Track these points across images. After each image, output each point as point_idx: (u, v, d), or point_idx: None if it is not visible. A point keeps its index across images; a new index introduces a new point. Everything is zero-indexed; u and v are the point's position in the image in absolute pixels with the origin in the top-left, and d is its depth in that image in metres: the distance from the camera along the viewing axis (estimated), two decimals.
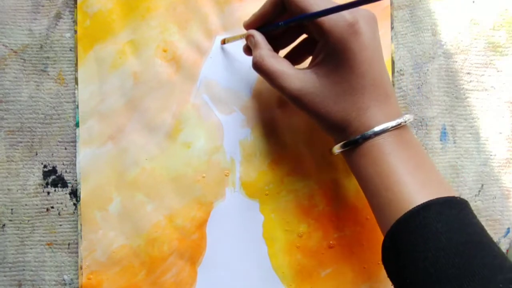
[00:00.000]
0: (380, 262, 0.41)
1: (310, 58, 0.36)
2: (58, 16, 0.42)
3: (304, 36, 0.37)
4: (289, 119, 0.41)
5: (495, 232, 0.42)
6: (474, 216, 0.30)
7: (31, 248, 0.41)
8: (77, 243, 0.41)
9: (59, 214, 0.41)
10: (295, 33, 0.37)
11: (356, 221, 0.41)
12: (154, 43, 0.41)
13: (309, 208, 0.41)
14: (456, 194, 0.30)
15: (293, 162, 0.41)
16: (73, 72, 0.41)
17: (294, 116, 0.41)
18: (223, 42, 0.40)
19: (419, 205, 0.29)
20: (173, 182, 0.41)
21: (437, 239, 0.27)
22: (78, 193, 0.41)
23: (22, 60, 0.41)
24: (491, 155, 0.42)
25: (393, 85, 0.42)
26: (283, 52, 0.39)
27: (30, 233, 0.41)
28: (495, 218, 0.42)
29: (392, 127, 0.31)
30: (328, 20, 0.30)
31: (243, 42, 0.38)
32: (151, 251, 0.40)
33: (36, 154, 0.41)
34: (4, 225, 0.41)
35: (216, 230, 0.41)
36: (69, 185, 0.41)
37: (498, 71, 0.43)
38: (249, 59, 0.41)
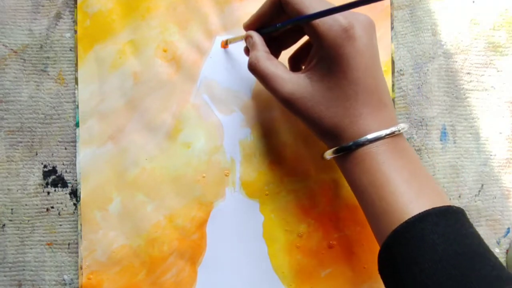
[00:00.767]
0: None
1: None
2: (58, 16, 0.42)
3: (306, 37, 0.37)
4: (289, 119, 0.41)
5: (495, 232, 0.42)
6: (471, 225, 0.29)
7: (31, 248, 0.41)
8: (77, 243, 0.41)
9: (59, 214, 0.41)
10: (296, 34, 0.36)
11: (356, 221, 0.41)
12: (154, 43, 0.41)
13: (309, 208, 0.41)
14: (451, 203, 0.30)
15: (293, 162, 0.41)
16: (73, 72, 0.41)
17: (294, 116, 0.41)
18: (225, 44, 0.40)
19: (414, 216, 0.28)
20: (173, 182, 0.41)
21: (434, 251, 0.27)
22: (78, 193, 0.41)
23: (22, 60, 0.41)
24: (491, 155, 0.42)
25: (393, 85, 0.42)
26: (286, 53, 0.39)
27: (30, 233, 0.41)
28: (495, 218, 0.42)
29: (386, 135, 0.31)
30: (323, 24, 0.30)
31: (244, 43, 0.38)
32: (151, 251, 0.40)
33: (36, 154, 0.41)
34: (4, 225, 0.41)
35: (216, 230, 0.41)
36: (69, 185, 0.41)
37: (498, 71, 0.43)
38: (247, 60, 0.41)
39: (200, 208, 0.41)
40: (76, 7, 0.41)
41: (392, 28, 0.42)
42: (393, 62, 0.42)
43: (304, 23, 0.31)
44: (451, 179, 0.42)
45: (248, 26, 0.36)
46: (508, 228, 0.42)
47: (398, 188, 0.29)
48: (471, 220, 0.42)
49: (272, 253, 0.41)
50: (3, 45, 0.41)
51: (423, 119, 0.42)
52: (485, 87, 0.43)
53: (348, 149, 0.31)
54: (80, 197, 0.40)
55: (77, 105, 0.41)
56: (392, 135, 0.31)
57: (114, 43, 0.41)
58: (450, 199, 0.42)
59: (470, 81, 0.43)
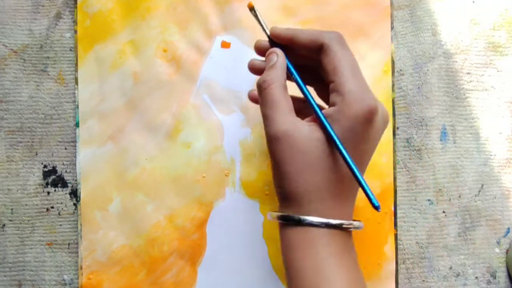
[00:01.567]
0: (380, 262, 0.41)
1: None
2: (58, 16, 0.42)
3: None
4: None
5: (495, 232, 0.42)
6: None
7: (31, 248, 0.41)
8: (77, 243, 0.41)
9: (59, 214, 0.41)
10: (317, 77, 0.33)
11: None
12: (154, 43, 0.41)
13: None
14: None
15: None
16: (73, 72, 0.41)
17: None
18: (251, 6, 0.33)
19: None
20: (173, 182, 0.41)
21: None
22: (78, 193, 0.41)
23: (22, 60, 0.41)
24: (491, 155, 0.42)
25: (393, 85, 0.42)
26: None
27: (30, 233, 0.41)
28: (495, 218, 0.42)
29: (335, 224, 0.28)
30: (354, 93, 0.27)
31: (242, 44, 0.38)
32: (151, 251, 0.40)
33: (36, 154, 0.41)
34: (4, 225, 0.41)
35: (216, 230, 0.41)
36: (69, 185, 0.41)
37: (498, 71, 0.43)
38: (247, 60, 0.41)
39: (200, 208, 0.41)
40: (76, 7, 0.41)
41: (392, 28, 0.42)
42: (393, 62, 0.42)
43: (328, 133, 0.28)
44: (451, 179, 0.42)
45: (277, 36, 0.32)
46: (508, 228, 0.42)
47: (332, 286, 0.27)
48: (471, 220, 0.42)
49: (272, 253, 0.41)
50: (3, 45, 0.41)
51: (423, 119, 0.42)
52: (485, 87, 0.43)
53: (296, 222, 0.28)
54: (80, 197, 0.40)
55: (77, 105, 0.41)
56: (341, 228, 0.28)
57: (114, 43, 0.41)
58: (450, 199, 0.42)
59: (470, 81, 0.43)
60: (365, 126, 0.28)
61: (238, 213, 0.41)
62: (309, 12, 0.41)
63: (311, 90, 0.32)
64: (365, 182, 0.27)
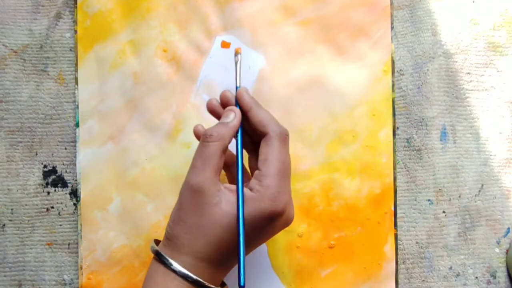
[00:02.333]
0: (380, 262, 0.41)
1: None
2: (58, 16, 0.42)
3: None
4: (289, 119, 0.41)
5: (495, 232, 0.42)
6: None
7: (31, 248, 0.41)
8: (77, 243, 0.41)
9: (59, 214, 0.41)
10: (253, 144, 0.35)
11: (356, 221, 0.41)
12: (154, 43, 0.41)
13: (309, 208, 0.41)
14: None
15: (293, 162, 0.41)
16: (73, 72, 0.41)
17: (293, 115, 0.41)
18: (238, 52, 0.37)
19: None
20: (173, 182, 0.41)
21: None
22: (78, 193, 0.41)
23: (22, 60, 0.41)
24: (491, 155, 0.42)
25: (393, 85, 0.42)
26: None
27: (30, 233, 0.41)
28: (495, 218, 0.42)
29: (195, 280, 0.29)
30: (268, 186, 0.31)
31: (242, 44, 0.38)
32: (151, 251, 0.40)
33: (36, 154, 0.41)
34: (4, 225, 0.41)
35: None
36: (69, 185, 0.41)
37: (498, 71, 0.43)
38: (247, 60, 0.42)
39: None
40: (76, 7, 0.41)
41: (392, 28, 0.42)
42: (393, 62, 0.42)
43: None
44: (451, 179, 0.42)
45: (240, 100, 0.34)
46: (508, 228, 0.42)
47: None
48: (471, 220, 0.42)
49: (272, 253, 0.41)
50: (3, 45, 0.41)
51: (423, 119, 0.42)
52: (485, 87, 0.43)
53: (165, 264, 0.30)
54: (80, 197, 0.40)
55: (77, 105, 0.41)
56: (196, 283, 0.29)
57: (114, 43, 0.41)
58: (450, 199, 0.42)
59: (470, 81, 0.43)
60: (266, 222, 0.30)
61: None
62: (309, 12, 0.41)
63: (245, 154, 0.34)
64: (243, 261, 0.29)
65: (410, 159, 0.42)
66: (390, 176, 0.41)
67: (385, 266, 0.41)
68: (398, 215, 0.41)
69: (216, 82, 0.41)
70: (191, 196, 0.30)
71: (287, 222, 0.32)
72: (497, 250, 0.42)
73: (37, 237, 0.41)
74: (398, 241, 0.41)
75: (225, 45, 0.41)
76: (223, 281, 0.33)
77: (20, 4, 0.41)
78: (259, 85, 0.41)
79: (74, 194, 0.41)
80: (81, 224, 0.40)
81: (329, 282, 0.41)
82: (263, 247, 0.40)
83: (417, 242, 0.41)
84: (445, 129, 0.42)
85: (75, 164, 0.41)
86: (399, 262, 0.41)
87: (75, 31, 0.41)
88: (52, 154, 0.41)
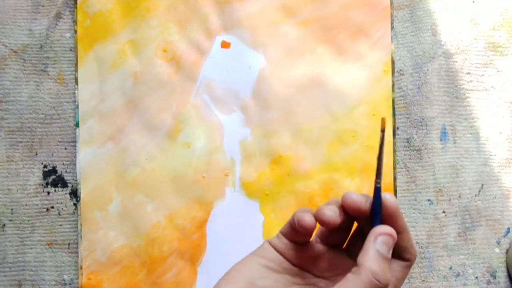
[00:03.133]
0: None
1: None
2: (58, 16, 0.42)
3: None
4: (289, 119, 0.41)
5: (495, 232, 0.42)
6: None
7: (31, 248, 0.41)
8: (77, 243, 0.41)
9: (59, 214, 0.41)
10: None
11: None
12: (154, 43, 0.41)
13: None
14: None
15: (293, 162, 0.41)
16: (73, 72, 0.41)
17: (294, 115, 0.41)
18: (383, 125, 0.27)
19: None
20: (173, 182, 0.41)
21: None
22: (78, 193, 0.41)
23: (22, 60, 0.41)
24: (491, 155, 0.42)
25: (393, 85, 0.42)
26: None
27: (30, 233, 0.41)
28: (495, 218, 0.42)
29: None
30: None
31: (242, 44, 0.38)
32: (151, 251, 0.40)
33: (36, 154, 0.41)
34: (4, 225, 0.41)
35: (216, 230, 0.41)
36: (69, 185, 0.41)
37: (498, 71, 0.43)
38: (247, 60, 0.42)
39: (200, 208, 0.41)
40: (76, 7, 0.41)
41: (392, 28, 0.42)
42: (393, 62, 0.42)
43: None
44: (451, 179, 0.42)
45: (393, 220, 0.26)
46: (508, 228, 0.42)
47: None
48: (471, 220, 0.42)
49: None
50: (3, 45, 0.41)
51: (423, 119, 0.42)
52: (485, 87, 0.43)
53: None
54: (80, 197, 0.40)
55: (77, 105, 0.41)
56: None
57: (114, 43, 0.41)
58: (450, 199, 0.42)
59: (470, 81, 0.43)
60: None
61: (238, 213, 0.41)
62: (309, 12, 0.41)
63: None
64: None
65: (410, 159, 0.42)
66: (390, 176, 0.41)
67: None
68: None
69: (216, 82, 0.41)
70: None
71: None
72: (497, 250, 0.42)
73: (37, 237, 0.41)
74: None
75: (225, 45, 0.41)
76: None
77: (20, 4, 0.41)
78: (259, 85, 0.41)
79: (74, 194, 0.41)
80: (81, 224, 0.40)
81: None
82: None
83: (417, 242, 0.41)
84: (445, 129, 0.42)
85: (75, 164, 0.41)
86: None
87: (75, 31, 0.41)
88: (52, 154, 0.41)
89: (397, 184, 0.41)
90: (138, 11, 0.41)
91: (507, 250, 0.42)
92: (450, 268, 0.42)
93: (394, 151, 0.41)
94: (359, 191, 0.41)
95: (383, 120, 0.25)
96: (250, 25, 0.41)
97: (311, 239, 0.29)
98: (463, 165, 0.42)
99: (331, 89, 0.41)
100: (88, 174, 0.41)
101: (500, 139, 0.43)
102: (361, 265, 0.24)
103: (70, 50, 0.42)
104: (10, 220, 0.41)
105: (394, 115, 0.41)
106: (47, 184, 0.41)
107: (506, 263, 0.42)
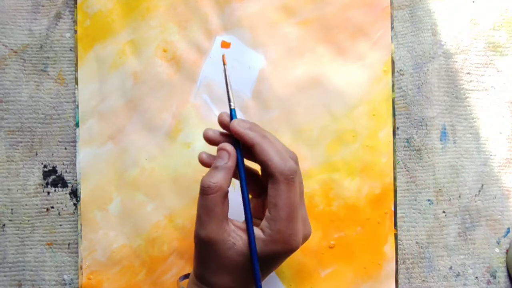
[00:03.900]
0: (380, 262, 0.41)
1: None
2: (58, 16, 0.42)
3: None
4: (289, 119, 0.41)
5: (495, 232, 0.42)
6: None
7: (31, 248, 0.41)
8: (77, 243, 0.41)
9: (59, 214, 0.41)
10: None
11: (356, 221, 0.41)
12: (154, 43, 0.41)
13: (309, 208, 0.41)
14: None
15: None
16: (73, 72, 0.41)
17: (293, 115, 0.41)
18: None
19: None
20: (173, 182, 0.41)
21: None
22: (78, 193, 0.41)
23: (22, 60, 0.41)
24: (491, 155, 0.42)
25: (393, 85, 0.42)
26: None
27: (30, 233, 0.41)
28: (495, 218, 0.42)
29: None
30: (279, 231, 0.30)
31: (242, 44, 0.38)
32: (151, 251, 0.40)
33: (36, 154, 0.41)
34: (4, 225, 0.41)
35: None
36: (69, 185, 0.41)
37: (498, 71, 0.43)
38: (247, 60, 0.42)
39: None
40: (76, 7, 0.41)
41: (392, 28, 0.42)
42: (393, 62, 0.42)
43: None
44: (451, 179, 0.42)
45: (237, 134, 0.31)
46: (508, 228, 0.42)
47: None
48: (471, 220, 0.42)
49: None
50: (3, 45, 0.41)
51: (423, 119, 0.42)
52: (485, 87, 0.43)
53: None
54: (80, 197, 0.40)
55: (77, 105, 0.41)
56: None
57: (114, 43, 0.41)
58: (450, 199, 0.42)
59: (470, 81, 0.43)
60: (280, 258, 0.32)
61: (238, 213, 0.41)
62: (309, 12, 0.41)
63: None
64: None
65: (410, 159, 0.42)
66: (390, 176, 0.41)
67: (385, 266, 0.41)
68: (398, 215, 0.41)
69: (216, 82, 0.41)
70: (205, 247, 0.31)
71: (295, 249, 0.32)
72: (497, 250, 0.42)
73: (37, 237, 0.41)
74: (398, 241, 0.41)
75: (225, 45, 0.41)
76: None
77: (20, 4, 0.41)
78: (259, 85, 0.41)
79: (74, 194, 0.41)
80: (81, 224, 0.40)
81: (329, 282, 0.41)
82: None
83: (417, 242, 0.41)
84: (445, 129, 0.42)
85: (75, 164, 0.41)
86: (399, 262, 0.41)
87: (75, 31, 0.41)
88: (52, 154, 0.41)
89: (397, 184, 0.41)
90: (138, 11, 0.41)
91: (507, 250, 0.42)
92: (450, 268, 0.42)
93: (394, 151, 0.41)
94: (359, 191, 0.41)
95: (223, 57, 0.33)
96: (250, 25, 0.41)
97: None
98: (463, 165, 0.42)
99: (331, 89, 0.41)
100: (88, 174, 0.41)
101: (500, 139, 0.43)
102: None
103: (70, 50, 0.42)
104: (10, 220, 0.41)
105: (394, 115, 0.41)
106: (47, 184, 0.41)
107: (506, 263, 0.42)
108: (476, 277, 0.42)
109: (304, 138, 0.41)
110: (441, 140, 0.42)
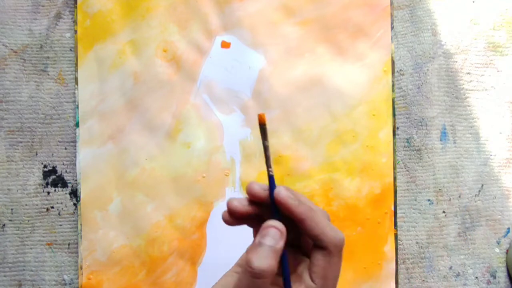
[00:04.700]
0: (380, 262, 0.41)
1: None
2: (58, 16, 0.42)
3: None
4: (289, 119, 0.41)
5: (495, 232, 0.42)
6: None
7: (31, 248, 0.41)
8: (77, 243, 0.41)
9: (59, 214, 0.41)
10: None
11: (356, 221, 0.41)
12: (154, 43, 0.41)
13: None
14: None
15: (293, 162, 0.41)
16: (73, 72, 0.41)
17: (293, 115, 0.41)
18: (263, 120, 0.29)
19: None
20: (173, 182, 0.41)
21: None
22: (78, 193, 0.41)
23: (22, 60, 0.41)
24: (491, 155, 0.42)
25: (393, 85, 0.42)
26: None
27: (30, 233, 0.41)
28: (495, 218, 0.42)
29: None
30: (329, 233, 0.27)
31: (242, 44, 0.38)
32: (151, 251, 0.40)
33: (36, 154, 0.41)
34: (4, 225, 0.41)
35: (216, 230, 0.41)
36: (69, 185, 0.41)
37: (498, 71, 0.43)
38: (247, 60, 0.42)
39: (200, 208, 0.41)
40: (76, 7, 0.41)
41: (392, 28, 0.42)
42: (393, 62, 0.42)
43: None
44: (451, 179, 0.42)
45: (285, 207, 0.27)
46: (508, 228, 0.42)
47: None
48: (471, 220, 0.42)
49: None
50: (3, 45, 0.41)
51: (423, 119, 0.42)
52: (485, 87, 0.43)
53: None
54: (80, 197, 0.40)
55: (77, 105, 0.41)
56: None
57: (114, 43, 0.41)
58: (450, 199, 0.42)
59: (470, 81, 0.43)
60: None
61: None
62: (309, 12, 0.41)
63: None
64: None
65: (410, 159, 0.42)
66: (390, 176, 0.41)
67: (385, 266, 0.41)
68: (398, 215, 0.41)
69: (216, 82, 0.41)
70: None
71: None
72: (497, 250, 0.42)
73: (37, 237, 0.41)
74: (398, 241, 0.41)
75: (225, 45, 0.41)
76: None
77: (20, 4, 0.41)
78: (259, 85, 0.41)
79: (74, 194, 0.41)
80: (81, 224, 0.40)
81: None
82: None
83: (417, 242, 0.41)
84: (445, 129, 0.42)
85: (75, 164, 0.41)
86: (399, 262, 0.41)
87: (75, 31, 0.41)
88: (52, 154, 0.41)
89: (397, 184, 0.41)
90: (138, 11, 0.41)
91: (507, 250, 0.42)
92: (450, 268, 0.42)
93: (394, 151, 0.41)
94: (359, 191, 0.41)
95: (261, 116, 0.28)
96: (250, 25, 0.41)
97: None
98: (463, 165, 0.42)
99: (331, 89, 0.41)
100: (88, 174, 0.41)
101: (500, 139, 0.43)
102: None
103: (70, 50, 0.42)
104: (10, 220, 0.41)
105: (394, 115, 0.41)
106: (47, 184, 0.41)
107: (506, 263, 0.42)
108: (476, 277, 0.42)
109: (304, 138, 0.41)
110: (441, 140, 0.42)
